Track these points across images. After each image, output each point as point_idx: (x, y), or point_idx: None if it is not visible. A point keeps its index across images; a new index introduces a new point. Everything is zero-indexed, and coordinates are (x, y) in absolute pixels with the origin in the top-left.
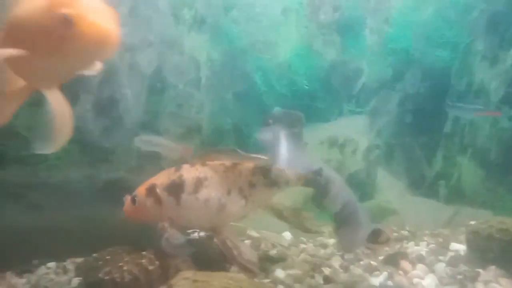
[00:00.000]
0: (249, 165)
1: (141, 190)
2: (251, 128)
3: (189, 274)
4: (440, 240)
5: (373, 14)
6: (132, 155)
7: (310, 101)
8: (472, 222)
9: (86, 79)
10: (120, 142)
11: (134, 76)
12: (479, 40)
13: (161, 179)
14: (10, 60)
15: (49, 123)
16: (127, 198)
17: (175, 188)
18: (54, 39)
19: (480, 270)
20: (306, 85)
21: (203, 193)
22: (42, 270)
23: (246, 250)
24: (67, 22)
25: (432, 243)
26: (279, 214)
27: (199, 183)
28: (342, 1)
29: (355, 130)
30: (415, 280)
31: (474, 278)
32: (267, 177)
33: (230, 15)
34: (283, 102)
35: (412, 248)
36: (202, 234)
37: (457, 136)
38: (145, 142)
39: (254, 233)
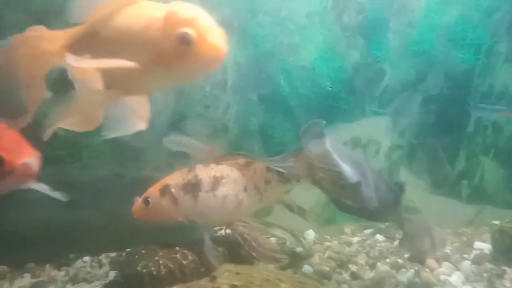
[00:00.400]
0: (263, 163)
1: (154, 191)
2: (276, 129)
3: (230, 266)
4: (464, 239)
5: (396, 16)
6: (162, 155)
7: (334, 102)
8: (496, 222)
9: None
10: (150, 142)
11: None
12: (502, 42)
13: (175, 179)
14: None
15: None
16: (138, 200)
17: (192, 187)
18: (169, 56)
19: (506, 268)
20: (330, 87)
21: (221, 191)
22: (78, 263)
23: (264, 241)
24: (186, 42)
25: (456, 242)
26: (290, 209)
27: (216, 181)
28: (365, 4)
29: (377, 130)
30: (442, 277)
31: (500, 276)
32: (280, 174)
33: (256, 19)
34: (306, 104)
35: None
36: (228, 231)
37: (479, 137)
38: (173, 142)
39: (277, 231)
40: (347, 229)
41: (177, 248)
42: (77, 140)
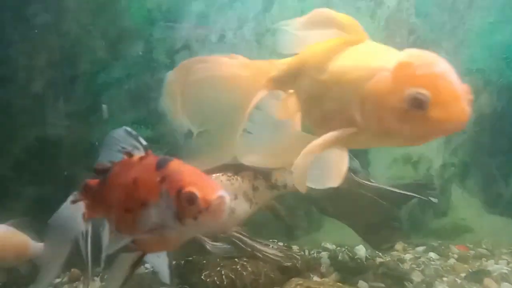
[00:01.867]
0: (250, 171)
1: None
2: None
3: (301, 280)
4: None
5: (449, 36)
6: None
7: None
8: None
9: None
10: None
11: None
12: None
13: None
14: None
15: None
16: None
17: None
18: (393, 117)
19: None
20: None
21: None
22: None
23: (265, 246)
24: (419, 105)
25: None
26: (277, 213)
27: None
28: (417, 25)
29: (429, 148)
30: None
31: None
32: (268, 181)
33: None
34: None
35: (492, 266)
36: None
37: None
38: None
39: (328, 245)
40: (398, 246)
41: (236, 259)
42: None
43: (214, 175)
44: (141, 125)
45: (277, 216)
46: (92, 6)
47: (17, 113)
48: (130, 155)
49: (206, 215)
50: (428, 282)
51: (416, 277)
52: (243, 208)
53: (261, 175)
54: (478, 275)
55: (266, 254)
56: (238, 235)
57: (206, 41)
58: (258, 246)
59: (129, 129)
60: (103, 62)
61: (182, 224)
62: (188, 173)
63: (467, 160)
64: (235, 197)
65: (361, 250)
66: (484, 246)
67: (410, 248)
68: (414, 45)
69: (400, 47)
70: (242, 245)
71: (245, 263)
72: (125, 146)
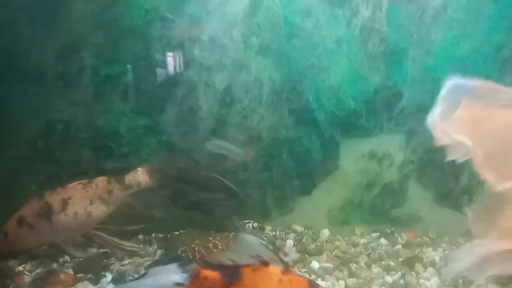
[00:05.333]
0: (104, 177)
1: (11, 224)
2: (302, 139)
3: None
4: (454, 247)
5: (415, 46)
6: (204, 156)
7: (355, 118)
8: None
9: (171, 93)
10: (196, 145)
11: (208, 92)
12: (508, 75)
13: (28, 210)
14: None
15: None
16: None
17: (45, 213)
18: None
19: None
20: (352, 105)
21: (71, 209)
22: (134, 240)
23: (122, 242)
24: None
25: (447, 250)
26: (132, 208)
27: (65, 202)
28: (388, 34)
29: (392, 146)
30: (421, 281)
31: (469, 283)
32: (121, 183)
33: (291, 43)
34: (331, 119)
35: (429, 253)
36: None
37: None
38: (215, 145)
39: (298, 228)
40: (358, 231)
41: (210, 238)
42: (136, 140)
43: (70, 184)
44: (138, 114)
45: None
46: (96, 7)
47: (30, 101)
48: (266, 263)
49: None
50: (368, 264)
51: (361, 259)
52: (100, 210)
53: (115, 179)
54: (411, 260)
55: (123, 247)
56: (98, 233)
57: (197, 40)
58: (116, 241)
59: (265, 242)
60: (105, 57)
61: None
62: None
63: (424, 158)
64: (91, 202)
65: (326, 233)
66: (430, 235)
67: (367, 234)
68: (384, 52)
69: (372, 53)
70: (101, 242)
71: (217, 241)
72: (261, 255)
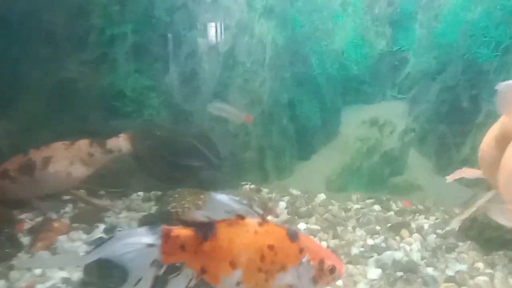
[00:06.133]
0: (86, 140)
1: None
2: (304, 104)
3: None
4: (447, 216)
5: (424, 10)
6: (206, 118)
7: (358, 84)
8: None
9: (175, 55)
10: (197, 107)
11: (211, 54)
12: None
13: (11, 164)
14: None
15: None
16: None
17: (27, 168)
18: None
19: (460, 243)
20: (355, 70)
21: (52, 167)
22: (134, 196)
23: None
24: None
25: (439, 219)
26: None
27: (47, 160)
28: None
29: (395, 113)
30: (402, 244)
31: (451, 249)
32: (103, 147)
33: (295, 5)
34: (334, 84)
35: (420, 220)
36: None
37: (487, 128)
38: (216, 108)
39: (294, 192)
40: (354, 197)
41: (201, 196)
42: (140, 100)
43: (53, 144)
44: (142, 74)
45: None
46: None
47: (41, 61)
48: (242, 217)
49: (333, 281)
50: (354, 228)
51: (350, 223)
52: (80, 171)
53: (97, 143)
54: (398, 226)
55: (96, 204)
56: (73, 191)
57: (201, 2)
58: (92, 200)
59: (237, 198)
60: (111, 18)
61: (314, 286)
62: (320, 247)
63: (426, 127)
64: (72, 163)
65: (321, 198)
66: (426, 204)
67: (362, 200)
68: (391, 16)
69: (378, 17)
70: (77, 199)
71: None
72: (235, 209)
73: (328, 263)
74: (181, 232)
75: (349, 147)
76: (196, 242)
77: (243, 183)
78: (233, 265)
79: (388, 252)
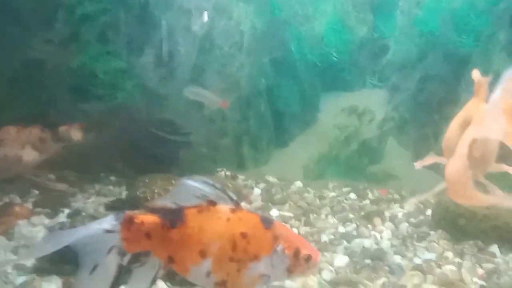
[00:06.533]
0: (38, 126)
1: None
2: (282, 90)
3: None
4: (421, 206)
5: None
6: (181, 102)
7: (338, 71)
8: None
9: (149, 36)
10: (172, 90)
11: (187, 37)
12: (502, 31)
13: None
14: None
15: None
16: None
17: None
18: None
19: (432, 232)
20: (335, 57)
21: (2, 150)
22: (106, 181)
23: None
24: None
25: (413, 208)
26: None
27: None
28: None
29: (374, 102)
30: (373, 232)
31: (422, 238)
32: (54, 135)
33: None
34: (313, 70)
35: (395, 209)
36: None
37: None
38: (192, 92)
39: (271, 179)
40: (331, 185)
41: (173, 181)
42: (113, 82)
43: (5, 127)
44: (114, 56)
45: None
46: None
47: (6, 39)
48: (213, 203)
49: (309, 270)
50: (327, 215)
51: (324, 211)
52: (31, 156)
53: (48, 130)
54: (372, 214)
55: (52, 188)
56: (28, 176)
57: None
58: (47, 183)
59: (210, 182)
60: None
61: (289, 276)
62: (296, 235)
63: (405, 116)
64: (23, 147)
65: (298, 185)
66: (403, 193)
67: (338, 188)
68: (372, 2)
69: (359, 3)
70: (33, 184)
71: None
72: (207, 194)
73: (304, 252)
74: (146, 218)
75: (327, 135)
76: (163, 230)
77: (219, 169)
78: (203, 254)
79: (358, 240)
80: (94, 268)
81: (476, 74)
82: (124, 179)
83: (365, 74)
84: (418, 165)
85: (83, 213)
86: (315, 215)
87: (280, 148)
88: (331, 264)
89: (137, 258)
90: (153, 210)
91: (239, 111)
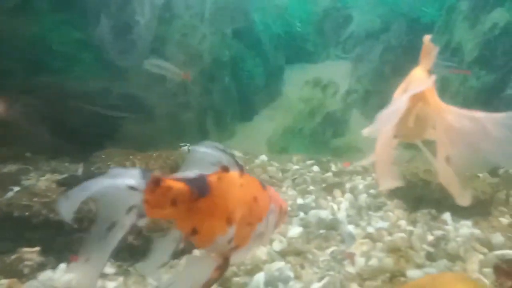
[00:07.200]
0: None
1: None
2: (246, 62)
3: None
4: None
5: None
6: (142, 75)
7: (301, 43)
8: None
9: (106, 5)
10: (132, 63)
11: (146, 5)
12: (464, 1)
13: None
14: None
15: None
16: None
17: None
18: None
19: (389, 202)
20: (299, 28)
21: None
22: (65, 159)
23: None
24: None
25: (375, 179)
26: None
27: None
28: None
29: (338, 73)
30: (331, 204)
31: (379, 208)
32: None
33: None
34: (276, 41)
35: (357, 181)
36: None
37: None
38: (153, 65)
39: (237, 153)
40: (295, 158)
41: (130, 157)
42: (69, 54)
43: None
44: (70, 26)
45: None
46: None
47: None
48: (227, 170)
49: (285, 220)
50: (287, 188)
51: (285, 184)
52: None
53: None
54: (332, 186)
55: None
56: None
57: None
58: None
59: (221, 146)
60: None
61: (276, 229)
62: (275, 191)
63: (369, 88)
64: None
65: (262, 159)
66: (366, 165)
67: (302, 161)
68: None
69: None
70: None
71: (136, 160)
72: (221, 160)
73: (283, 206)
74: (175, 184)
75: (292, 108)
76: (191, 199)
77: (182, 144)
78: (229, 222)
79: (314, 211)
80: (110, 226)
81: (426, 39)
82: (81, 155)
83: (329, 46)
84: (365, 132)
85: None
86: (275, 188)
87: (245, 122)
88: (284, 235)
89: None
90: (180, 179)
91: (202, 84)
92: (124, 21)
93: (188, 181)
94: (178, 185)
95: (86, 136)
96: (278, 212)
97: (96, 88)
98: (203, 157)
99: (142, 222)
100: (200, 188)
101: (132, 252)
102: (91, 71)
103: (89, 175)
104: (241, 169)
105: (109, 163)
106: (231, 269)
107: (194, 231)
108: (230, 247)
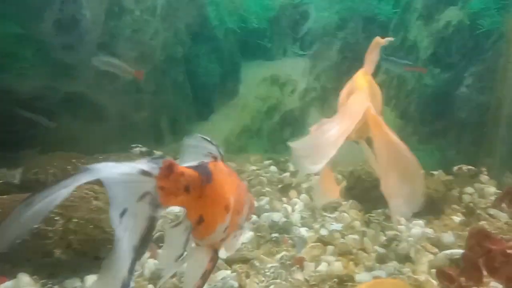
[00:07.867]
0: None
1: None
2: (201, 59)
3: None
4: (339, 176)
5: None
6: (91, 73)
7: (258, 39)
8: None
9: None
10: (80, 60)
11: None
12: None
13: None
14: None
15: None
16: None
17: None
18: None
19: (344, 202)
20: (255, 24)
21: None
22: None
23: None
24: None
25: (339, 176)
26: None
27: None
28: None
29: (296, 71)
30: (285, 205)
31: (334, 208)
32: None
33: None
34: (232, 38)
35: (314, 181)
36: None
37: (385, 87)
38: (102, 62)
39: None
40: (252, 158)
41: (73, 160)
42: (9, 50)
43: None
44: (9, 19)
45: None
46: None
47: None
48: (216, 159)
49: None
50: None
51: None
52: None
53: None
54: (288, 187)
55: None
56: None
57: None
58: None
59: (207, 136)
60: None
61: (247, 221)
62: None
63: (327, 85)
64: None
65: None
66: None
67: (260, 162)
68: None
69: None
70: None
71: (80, 163)
72: (211, 151)
73: (252, 198)
74: (187, 170)
75: (249, 107)
76: (201, 185)
77: (133, 145)
78: (227, 209)
79: (267, 214)
80: (122, 213)
81: (375, 41)
82: (19, 161)
83: (286, 43)
84: (313, 129)
85: None
86: None
87: (201, 121)
88: None
89: None
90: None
91: (155, 83)
92: (70, 15)
93: (195, 167)
94: (190, 172)
95: (22, 139)
96: (250, 203)
97: (38, 87)
98: (197, 150)
99: (159, 213)
100: (207, 174)
101: (59, 267)
102: (32, 69)
103: (25, 182)
104: (222, 159)
105: (48, 167)
106: (171, 280)
107: (201, 219)
108: (224, 236)
